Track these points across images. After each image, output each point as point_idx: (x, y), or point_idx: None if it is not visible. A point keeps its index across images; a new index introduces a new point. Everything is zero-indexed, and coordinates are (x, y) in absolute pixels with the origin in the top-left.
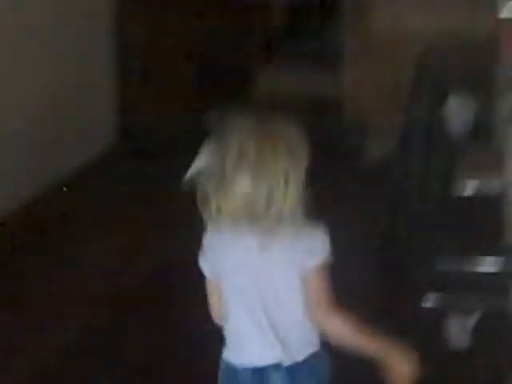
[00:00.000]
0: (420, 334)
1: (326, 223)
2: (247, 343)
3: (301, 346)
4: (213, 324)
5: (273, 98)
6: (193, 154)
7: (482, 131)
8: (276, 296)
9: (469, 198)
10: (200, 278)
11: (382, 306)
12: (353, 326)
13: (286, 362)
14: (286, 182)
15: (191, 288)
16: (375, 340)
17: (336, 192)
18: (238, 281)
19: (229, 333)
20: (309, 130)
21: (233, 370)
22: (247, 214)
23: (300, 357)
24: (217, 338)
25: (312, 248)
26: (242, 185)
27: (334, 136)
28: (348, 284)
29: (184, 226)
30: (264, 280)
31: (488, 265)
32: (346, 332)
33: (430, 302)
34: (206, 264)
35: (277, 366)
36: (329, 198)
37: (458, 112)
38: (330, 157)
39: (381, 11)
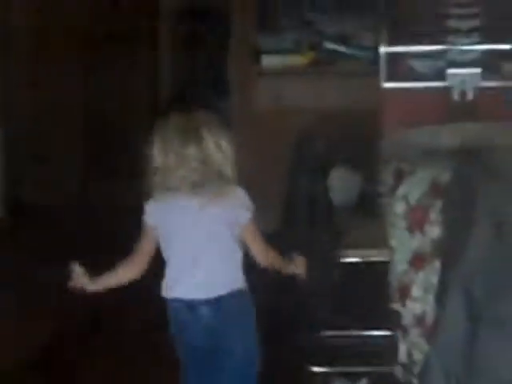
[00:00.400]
0: None
1: None
2: (183, 281)
3: (225, 282)
4: None
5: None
6: None
7: (366, 202)
8: (209, 243)
9: (354, 267)
10: None
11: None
12: (278, 256)
13: (213, 296)
14: (216, 156)
15: None
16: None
17: None
18: (179, 232)
19: (168, 273)
20: None
21: (172, 303)
22: (189, 182)
23: (225, 291)
24: None
25: (242, 205)
26: (184, 160)
27: None
28: None
29: None
30: (201, 231)
31: (374, 330)
32: (276, 259)
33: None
34: (150, 219)
35: (206, 300)
36: None
37: (340, 185)
38: None
39: (265, 89)
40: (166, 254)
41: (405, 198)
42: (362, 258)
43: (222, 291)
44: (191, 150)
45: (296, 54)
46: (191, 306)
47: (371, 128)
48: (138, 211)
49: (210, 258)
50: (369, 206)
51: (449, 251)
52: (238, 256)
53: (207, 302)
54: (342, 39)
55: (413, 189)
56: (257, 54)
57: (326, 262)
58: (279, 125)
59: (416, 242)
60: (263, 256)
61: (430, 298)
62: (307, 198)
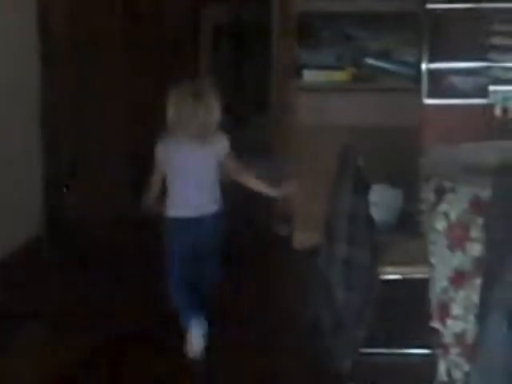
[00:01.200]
0: None
1: None
2: (184, 202)
3: (213, 203)
4: None
5: None
6: None
7: (407, 219)
8: (201, 175)
9: (394, 284)
10: None
11: None
12: (253, 176)
13: (206, 213)
14: (213, 111)
15: None
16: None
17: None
18: (180, 166)
19: (171, 195)
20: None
21: (172, 220)
22: (191, 131)
23: (213, 210)
24: None
25: (224, 144)
26: (192, 113)
27: (263, 226)
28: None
29: None
30: (196, 166)
31: (414, 348)
32: (251, 179)
33: None
34: (161, 156)
35: (196, 217)
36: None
37: (381, 201)
38: (259, 245)
39: (306, 104)
40: (169, 183)
41: (445, 215)
42: (402, 275)
43: (209, 211)
44: (198, 107)
45: (337, 69)
46: (187, 221)
47: (412, 144)
48: None
49: (202, 186)
50: (409, 223)
51: (490, 269)
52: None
53: (197, 219)
54: (384, 55)
55: (453, 206)
56: (298, 69)
57: (365, 279)
58: (320, 140)
59: (456, 260)
60: (238, 173)
61: (471, 316)
62: (348, 213)
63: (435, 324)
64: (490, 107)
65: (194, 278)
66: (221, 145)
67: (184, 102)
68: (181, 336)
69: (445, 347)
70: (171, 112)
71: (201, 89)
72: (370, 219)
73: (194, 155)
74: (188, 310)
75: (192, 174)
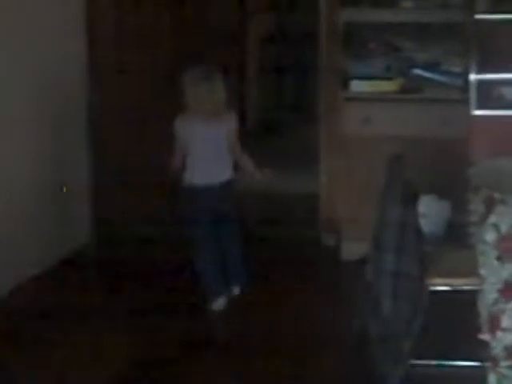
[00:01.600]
0: None
1: None
2: (203, 170)
3: (228, 171)
4: None
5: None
6: None
7: (455, 230)
8: (218, 145)
9: (443, 296)
10: None
11: None
12: (245, 154)
13: (222, 180)
14: (222, 93)
15: None
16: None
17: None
18: (198, 140)
19: (191, 166)
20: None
21: (193, 187)
22: (206, 109)
23: (228, 177)
24: None
25: (233, 121)
26: (204, 95)
27: (311, 237)
28: None
29: None
30: (211, 140)
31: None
32: (243, 155)
33: None
34: (180, 131)
35: (219, 183)
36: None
37: (430, 212)
38: (307, 256)
39: (353, 114)
40: (189, 155)
41: (496, 226)
42: (451, 286)
43: (224, 178)
44: (209, 87)
45: (384, 79)
46: (205, 188)
47: (460, 155)
48: None
49: (218, 157)
50: (457, 234)
51: None
52: (231, 158)
53: (214, 186)
54: (431, 66)
55: (504, 217)
56: (345, 79)
57: (414, 290)
58: (367, 150)
59: (506, 272)
60: (235, 147)
61: None
62: (397, 224)
63: (485, 336)
64: None
65: (218, 249)
66: (230, 120)
67: (198, 83)
68: None
69: (494, 360)
70: (187, 92)
71: (210, 73)
72: (418, 230)
73: (208, 130)
74: (214, 285)
75: (207, 146)
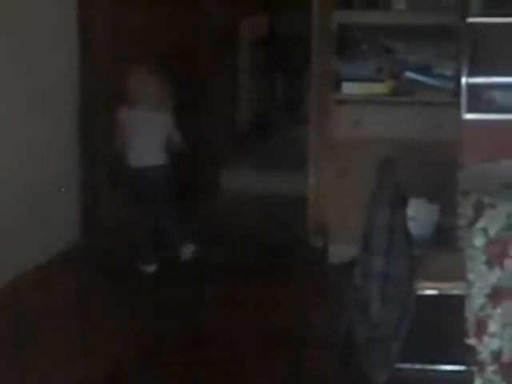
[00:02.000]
0: None
1: None
2: (141, 154)
3: (161, 156)
4: None
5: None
6: None
7: (444, 234)
8: (153, 135)
9: (430, 300)
10: None
11: None
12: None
13: (155, 164)
14: (158, 87)
15: None
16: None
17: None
18: (137, 127)
19: (132, 150)
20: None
21: (133, 169)
22: (146, 99)
23: (160, 162)
24: None
25: (170, 117)
26: (147, 91)
27: (299, 239)
28: None
29: None
30: (150, 128)
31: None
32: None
33: None
34: (123, 118)
35: (153, 166)
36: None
37: (418, 215)
38: (295, 258)
39: (344, 116)
40: (128, 141)
41: (484, 231)
42: (439, 290)
43: (158, 162)
44: (149, 83)
45: (376, 82)
46: (144, 168)
47: (451, 159)
48: None
49: (154, 143)
50: (445, 238)
51: None
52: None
53: (151, 167)
54: (423, 68)
55: (493, 222)
56: (337, 81)
57: (402, 293)
58: (357, 152)
59: (495, 277)
60: (176, 136)
61: (508, 334)
62: (386, 227)
63: (471, 341)
64: None
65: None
66: (167, 118)
67: (139, 79)
68: None
69: (481, 364)
70: (130, 87)
71: (150, 71)
72: (407, 233)
73: (146, 120)
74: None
75: (146, 133)
